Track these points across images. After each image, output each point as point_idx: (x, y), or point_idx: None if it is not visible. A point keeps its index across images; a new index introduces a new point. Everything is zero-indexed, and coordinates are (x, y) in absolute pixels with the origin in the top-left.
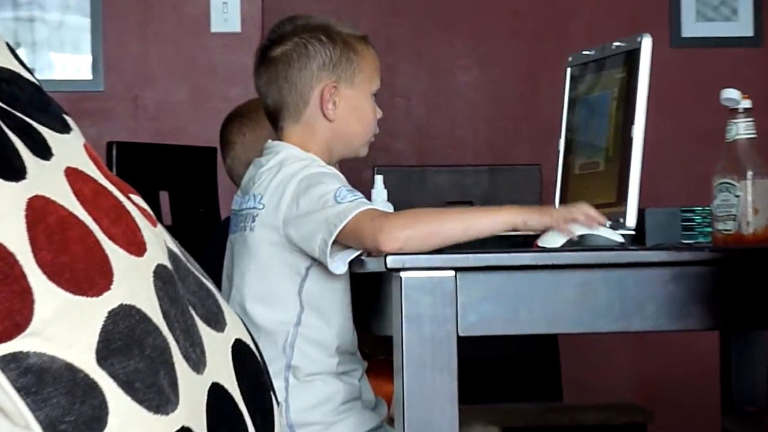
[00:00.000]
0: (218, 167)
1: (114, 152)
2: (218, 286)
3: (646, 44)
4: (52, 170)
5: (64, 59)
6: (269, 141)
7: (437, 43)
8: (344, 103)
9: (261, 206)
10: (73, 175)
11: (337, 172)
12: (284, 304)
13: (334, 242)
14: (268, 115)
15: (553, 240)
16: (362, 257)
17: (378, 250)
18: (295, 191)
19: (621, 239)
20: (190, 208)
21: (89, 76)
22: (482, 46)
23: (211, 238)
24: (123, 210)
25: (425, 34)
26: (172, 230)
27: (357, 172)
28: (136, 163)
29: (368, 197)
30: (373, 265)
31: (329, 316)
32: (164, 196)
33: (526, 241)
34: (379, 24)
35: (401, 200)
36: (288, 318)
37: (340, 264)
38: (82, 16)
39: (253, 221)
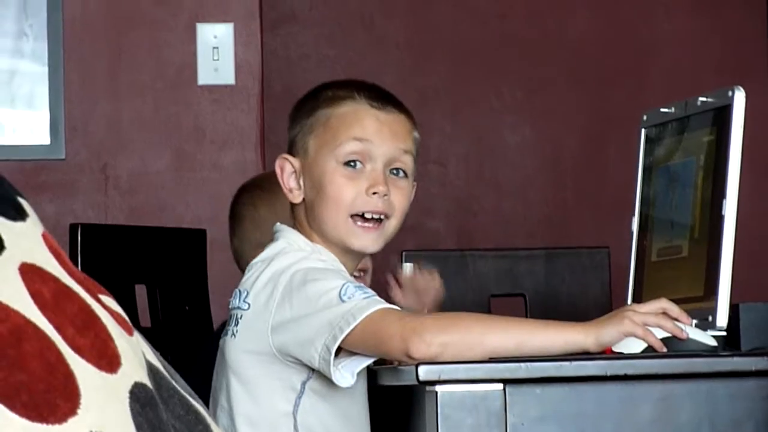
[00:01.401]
0: (209, 254)
1: (79, 237)
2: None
3: (739, 99)
4: (4, 268)
5: (15, 118)
6: (277, 224)
7: (479, 95)
8: (306, 179)
9: (246, 306)
10: (29, 273)
11: (342, 267)
12: (276, 429)
13: (338, 350)
14: None
15: (631, 344)
16: (394, 365)
17: (407, 357)
18: (286, 289)
19: (713, 342)
20: (173, 306)
21: (46, 140)
22: (536, 98)
23: (203, 347)
24: (92, 315)
25: (464, 83)
26: (150, 334)
27: (380, 259)
28: (106, 250)
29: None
30: (402, 377)
31: None
32: (141, 291)
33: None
34: (408, 72)
35: None
36: None
37: (346, 374)
38: (39, 65)
39: (237, 324)
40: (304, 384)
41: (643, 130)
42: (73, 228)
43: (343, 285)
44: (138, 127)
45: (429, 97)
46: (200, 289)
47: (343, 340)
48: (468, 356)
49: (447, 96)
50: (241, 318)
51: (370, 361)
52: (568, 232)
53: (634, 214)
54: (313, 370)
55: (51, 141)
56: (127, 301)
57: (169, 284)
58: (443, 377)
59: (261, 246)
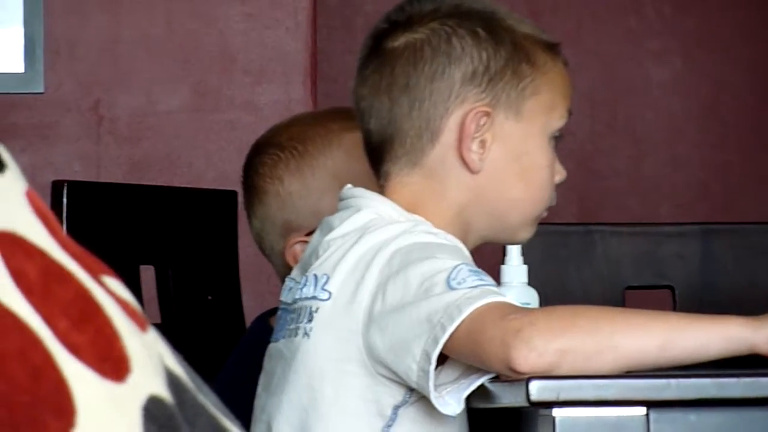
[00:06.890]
0: (240, 223)
1: (64, 199)
2: (247, 427)
3: None
4: None
5: None
6: (347, 188)
7: (612, 11)
8: (501, 145)
9: (325, 295)
10: (9, 245)
11: (459, 243)
12: None
13: (441, 358)
14: (369, 149)
15: None
16: (486, 384)
17: (509, 370)
18: (384, 272)
19: None
20: (191, 294)
21: (20, 68)
22: (690, 17)
23: (234, 349)
24: (92, 304)
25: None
26: (160, 332)
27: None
28: (100, 217)
29: (496, 279)
30: (505, 397)
31: None
32: (147, 274)
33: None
34: None
35: (552, 282)
36: None
37: (451, 401)
38: None
39: (310, 320)
40: (396, 409)
41: None
42: (56, 186)
43: (456, 267)
44: (143, 51)
45: (542, 14)
46: (228, 271)
47: (445, 345)
48: (595, 366)
49: (567, 12)
50: (317, 312)
51: (483, 380)
52: (734, 203)
53: None
54: (411, 390)
55: (26, 69)
56: (128, 287)
57: (185, 265)
58: (563, 397)
59: (292, 230)
